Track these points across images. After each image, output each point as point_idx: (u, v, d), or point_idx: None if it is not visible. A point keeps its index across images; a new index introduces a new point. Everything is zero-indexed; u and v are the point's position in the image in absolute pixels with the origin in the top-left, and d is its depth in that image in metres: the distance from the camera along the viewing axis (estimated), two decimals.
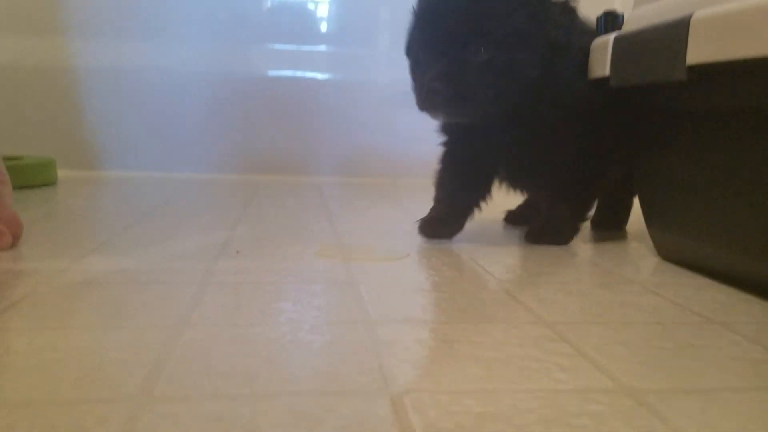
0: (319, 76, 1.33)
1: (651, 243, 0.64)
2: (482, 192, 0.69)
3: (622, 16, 0.60)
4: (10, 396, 0.29)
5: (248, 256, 0.58)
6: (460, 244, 0.67)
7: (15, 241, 0.60)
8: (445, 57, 0.56)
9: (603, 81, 0.58)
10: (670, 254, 0.61)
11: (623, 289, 0.51)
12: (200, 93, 1.31)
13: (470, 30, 0.56)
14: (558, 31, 0.57)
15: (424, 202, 0.71)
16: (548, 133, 0.63)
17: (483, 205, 0.70)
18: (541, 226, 0.69)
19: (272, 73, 1.33)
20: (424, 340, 0.37)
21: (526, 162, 0.66)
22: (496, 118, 0.60)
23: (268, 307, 0.43)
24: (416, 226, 0.68)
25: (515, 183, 0.70)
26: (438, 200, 0.70)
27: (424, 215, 0.70)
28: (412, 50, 0.62)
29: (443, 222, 0.68)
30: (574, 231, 0.69)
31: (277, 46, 1.33)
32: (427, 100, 0.57)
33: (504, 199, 0.75)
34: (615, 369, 0.34)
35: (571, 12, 0.58)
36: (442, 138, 0.69)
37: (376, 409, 0.28)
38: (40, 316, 0.40)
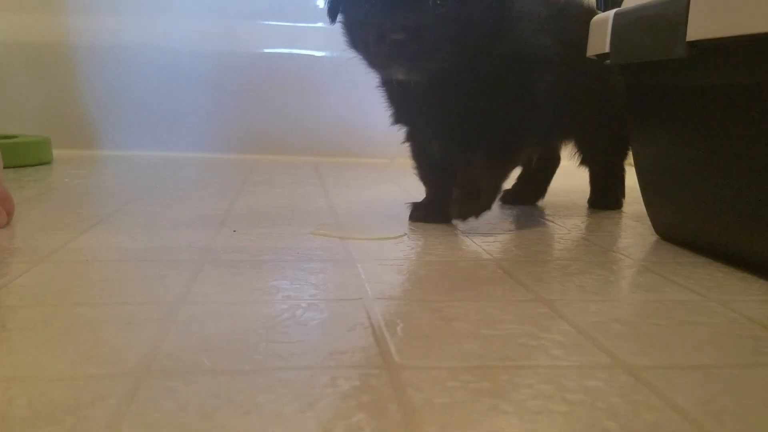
0: (316, 53, 1.32)
1: (649, 222, 0.64)
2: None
3: None
4: (8, 371, 0.29)
5: (245, 235, 0.58)
6: (456, 224, 0.66)
7: (9, 219, 0.60)
8: (404, 9, 0.54)
9: (602, 58, 0.57)
10: (668, 233, 0.61)
11: (621, 267, 0.51)
12: (195, 71, 1.30)
13: None
14: None
15: (421, 183, 0.71)
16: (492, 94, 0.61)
17: None
18: (461, 194, 0.63)
19: (268, 50, 1.31)
20: (422, 318, 0.37)
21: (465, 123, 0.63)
22: (446, 82, 0.59)
23: (265, 285, 0.43)
24: (408, 211, 0.68)
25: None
26: (426, 192, 0.70)
27: (416, 199, 0.69)
28: (353, 5, 0.59)
29: (432, 210, 0.68)
30: (494, 193, 0.63)
31: (273, 23, 1.32)
32: (389, 54, 0.54)
33: None
34: (612, 346, 0.34)
35: None
36: (399, 129, 0.68)
37: (375, 385, 0.28)
38: (37, 292, 0.40)
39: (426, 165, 0.69)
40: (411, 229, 0.64)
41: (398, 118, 0.66)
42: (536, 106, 0.63)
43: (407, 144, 0.69)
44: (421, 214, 0.68)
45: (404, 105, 0.65)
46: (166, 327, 0.35)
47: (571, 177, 0.87)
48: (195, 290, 0.41)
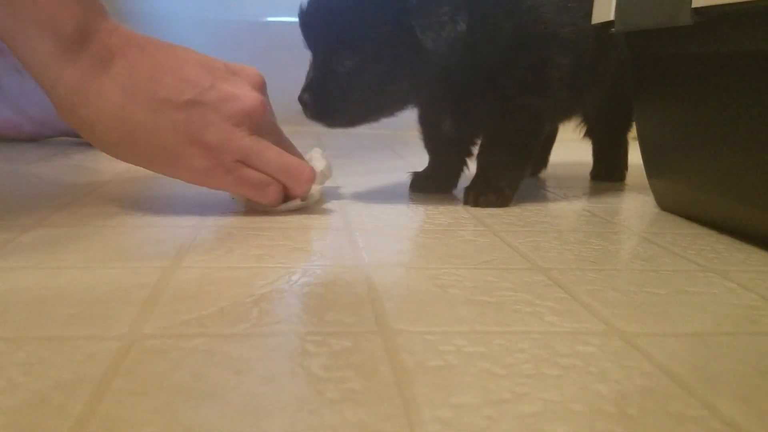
0: None
1: (651, 194, 0.63)
2: (467, 148, 0.68)
3: None
4: (3, 331, 0.29)
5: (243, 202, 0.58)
6: (456, 194, 0.66)
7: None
8: (315, 66, 0.56)
9: (607, 26, 0.56)
10: (670, 205, 0.61)
11: (620, 238, 0.51)
12: (194, 39, 1.28)
13: (337, 38, 0.54)
14: (430, 35, 0.52)
15: (423, 154, 0.70)
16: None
17: (469, 160, 0.68)
18: (479, 184, 0.61)
19: (270, 18, 1.30)
20: (418, 285, 0.37)
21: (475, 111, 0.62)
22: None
23: (261, 251, 0.43)
24: (410, 180, 0.68)
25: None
26: (429, 161, 0.69)
27: (417, 170, 0.69)
28: None
29: (433, 180, 0.67)
30: (514, 186, 0.62)
31: None
32: (304, 113, 0.57)
33: None
34: (607, 313, 0.34)
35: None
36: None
37: (368, 348, 0.28)
38: (32, 256, 0.40)
39: (432, 133, 0.68)
40: (411, 198, 0.64)
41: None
42: (555, 95, 0.61)
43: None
44: (422, 183, 0.67)
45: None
46: (160, 290, 0.35)
47: (573, 149, 0.87)
48: (190, 256, 0.41)
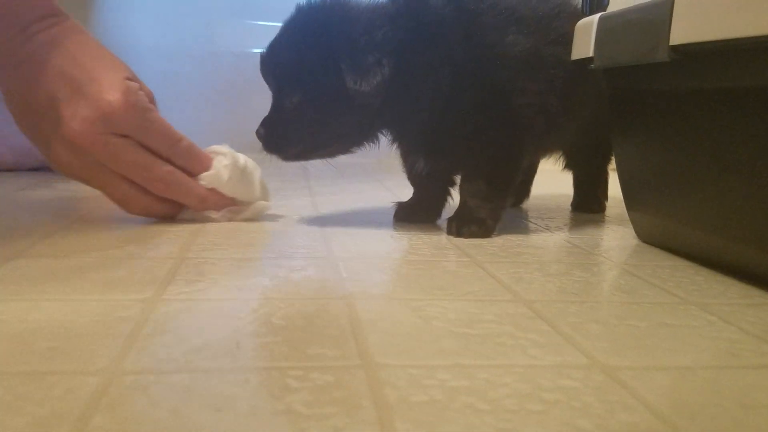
0: None
1: (631, 226, 0.64)
2: (450, 179, 0.69)
3: None
4: None
5: (227, 233, 0.58)
6: (440, 224, 0.66)
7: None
8: (272, 108, 0.62)
9: (586, 62, 0.58)
10: (649, 237, 0.61)
11: (601, 270, 0.52)
12: (180, 70, 1.29)
13: (283, 79, 0.60)
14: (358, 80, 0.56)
15: (407, 183, 0.71)
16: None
17: (453, 190, 0.69)
18: (461, 215, 0.62)
19: (255, 50, 1.31)
20: (401, 316, 0.37)
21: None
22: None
23: (244, 283, 0.43)
24: (393, 210, 0.68)
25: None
26: (413, 192, 0.70)
27: (402, 199, 0.69)
28: None
29: (417, 210, 0.68)
30: (496, 216, 0.62)
31: (261, 23, 1.32)
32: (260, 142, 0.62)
33: None
34: (590, 346, 0.34)
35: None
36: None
37: (351, 382, 0.28)
38: (12, 288, 0.40)
39: (414, 166, 0.69)
40: (395, 228, 0.64)
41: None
42: (527, 124, 0.62)
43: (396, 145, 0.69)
44: (406, 213, 0.68)
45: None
46: (141, 323, 0.34)
47: (555, 180, 0.88)
48: (172, 288, 0.41)
